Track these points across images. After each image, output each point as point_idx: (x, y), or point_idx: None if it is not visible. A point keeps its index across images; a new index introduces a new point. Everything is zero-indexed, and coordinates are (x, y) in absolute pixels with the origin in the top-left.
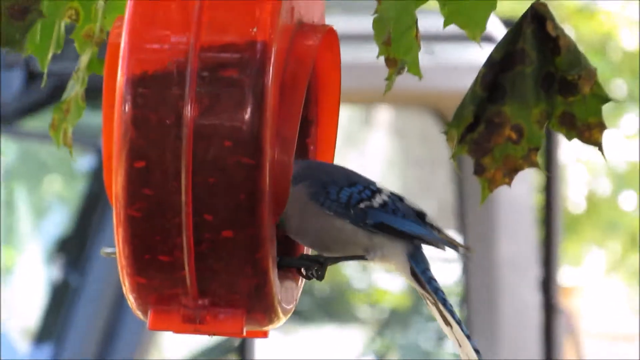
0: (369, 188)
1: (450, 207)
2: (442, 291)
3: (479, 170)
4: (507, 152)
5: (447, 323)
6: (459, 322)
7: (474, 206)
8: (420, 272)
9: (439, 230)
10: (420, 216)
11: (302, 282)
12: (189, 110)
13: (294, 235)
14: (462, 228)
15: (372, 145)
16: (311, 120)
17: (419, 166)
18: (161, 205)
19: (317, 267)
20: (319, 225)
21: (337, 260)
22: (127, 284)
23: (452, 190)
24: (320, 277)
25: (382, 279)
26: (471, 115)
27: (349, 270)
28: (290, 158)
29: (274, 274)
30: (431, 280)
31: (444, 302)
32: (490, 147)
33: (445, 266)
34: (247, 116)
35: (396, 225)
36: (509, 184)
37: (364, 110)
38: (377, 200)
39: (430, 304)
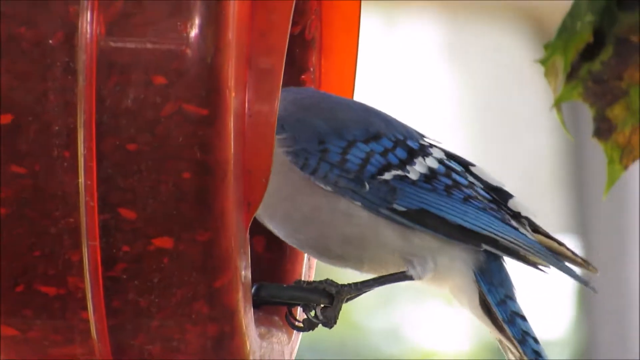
0: (405, 144)
1: (551, 197)
2: (534, 339)
3: (602, 130)
4: None
5: None
6: None
7: (596, 197)
8: (495, 303)
9: (537, 229)
10: (499, 200)
11: (298, 332)
12: (88, 22)
13: (280, 233)
14: (579, 234)
15: (405, 80)
16: (310, 39)
17: (494, 121)
18: (42, 192)
19: (324, 302)
20: (311, 212)
21: (359, 288)
22: None
23: (554, 169)
24: (328, 322)
25: (424, 327)
26: (590, 30)
27: (363, 307)
28: (273, 106)
29: (247, 316)
30: (515, 317)
31: (535, 359)
32: (622, 87)
33: (545, 295)
34: (193, 31)
35: (451, 216)
36: None
37: (392, 18)
38: (418, 168)
39: (508, 353)
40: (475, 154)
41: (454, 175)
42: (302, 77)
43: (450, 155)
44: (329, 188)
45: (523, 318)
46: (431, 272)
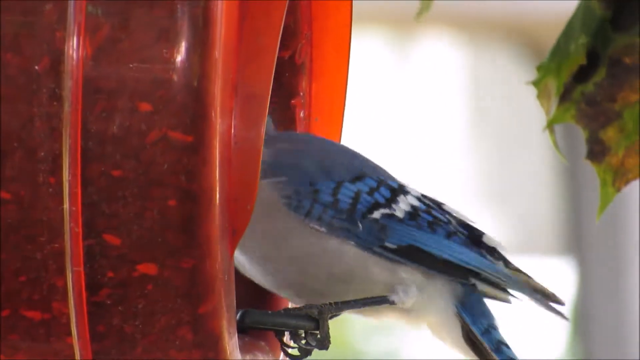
0: (387, 184)
1: (547, 217)
2: None
3: (595, 152)
4: None
5: None
6: None
7: (592, 218)
8: (480, 333)
9: (506, 263)
10: (473, 236)
11: (285, 358)
12: (74, 46)
13: (257, 273)
14: (575, 254)
15: (407, 100)
16: (300, 63)
17: (493, 143)
18: (27, 218)
19: (309, 327)
20: (299, 253)
21: (340, 308)
22: None
23: (550, 189)
24: (322, 344)
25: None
26: (583, 51)
27: (360, 330)
28: (259, 132)
29: (231, 342)
30: (501, 345)
31: None
32: (615, 109)
33: (540, 318)
34: (179, 56)
35: (438, 252)
36: None
37: (400, 40)
38: (402, 206)
39: None
40: (472, 173)
41: (434, 212)
42: (292, 101)
43: (424, 195)
44: (323, 229)
45: (507, 346)
46: (414, 298)
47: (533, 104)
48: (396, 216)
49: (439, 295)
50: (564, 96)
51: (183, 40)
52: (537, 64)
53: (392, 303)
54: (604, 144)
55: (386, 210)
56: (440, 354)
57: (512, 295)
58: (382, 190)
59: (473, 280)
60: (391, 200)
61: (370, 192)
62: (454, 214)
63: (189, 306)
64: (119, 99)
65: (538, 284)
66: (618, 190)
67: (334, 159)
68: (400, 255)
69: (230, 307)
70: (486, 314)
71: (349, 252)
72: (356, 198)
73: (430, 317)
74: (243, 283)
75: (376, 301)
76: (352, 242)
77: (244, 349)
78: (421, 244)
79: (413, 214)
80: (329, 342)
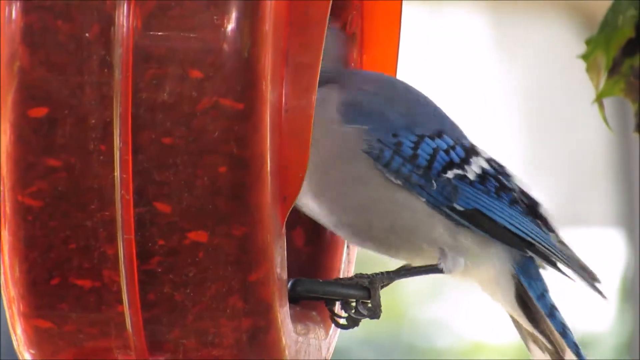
0: (462, 143)
1: (597, 189)
2: (570, 330)
3: None
4: None
5: None
6: None
7: None
8: (536, 297)
9: (557, 236)
10: (531, 206)
11: (336, 328)
12: (125, 15)
13: (320, 212)
14: (625, 227)
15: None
16: (351, 34)
17: (542, 114)
18: (77, 185)
19: (361, 295)
20: (368, 200)
21: (391, 277)
22: (19, 331)
23: (601, 162)
24: (373, 313)
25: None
26: (632, 24)
27: (412, 298)
28: (310, 100)
29: (282, 311)
30: (554, 311)
31: (577, 352)
32: None
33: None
34: (230, 24)
35: (500, 218)
36: None
37: (438, 8)
38: (474, 168)
39: (545, 353)
40: (522, 145)
41: (501, 177)
42: None
43: (491, 158)
44: (399, 182)
45: (559, 311)
46: (461, 268)
47: (584, 77)
48: (468, 178)
49: (496, 256)
50: (613, 70)
51: (233, 8)
52: (586, 38)
53: (441, 272)
54: None
55: (459, 171)
56: (488, 322)
57: (558, 268)
58: (458, 149)
59: (528, 252)
60: (464, 161)
61: (447, 150)
62: (517, 181)
63: (239, 274)
64: (169, 66)
65: (582, 260)
66: None
67: (418, 111)
68: (464, 218)
69: (282, 275)
70: (541, 279)
71: (417, 208)
72: (434, 155)
73: (486, 275)
74: (294, 252)
75: (426, 270)
76: (424, 199)
77: (295, 318)
78: (486, 209)
79: (483, 177)
80: (381, 311)
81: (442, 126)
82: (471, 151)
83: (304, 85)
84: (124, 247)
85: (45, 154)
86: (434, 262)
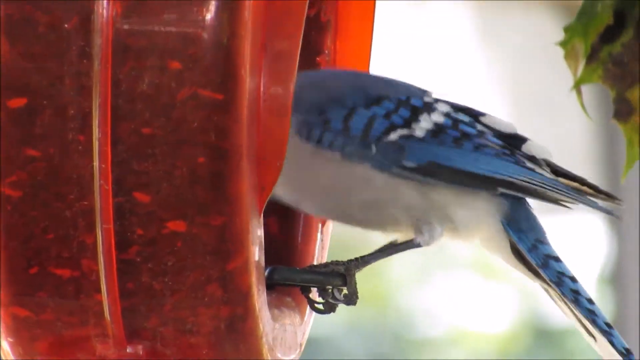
0: (408, 104)
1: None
2: (571, 277)
3: (621, 112)
4: None
5: (586, 328)
6: (602, 328)
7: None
8: (527, 250)
9: (556, 171)
10: (513, 144)
11: (311, 312)
12: (104, 6)
13: (291, 202)
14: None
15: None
16: (326, 21)
17: (522, 101)
18: (56, 175)
19: (337, 283)
20: (329, 181)
21: (367, 261)
22: None
23: (583, 150)
24: (350, 300)
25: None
26: (610, 11)
27: (398, 285)
28: (288, 89)
29: (260, 299)
30: (549, 260)
31: (575, 298)
32: None
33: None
34: (209, 15)
35: (461, 165)
36: None
37: (421, 2)
38: (424, 125)
39: (554, 297)
40: None
41: (462, 127)
42: (317, 59)
43: (459, 108)
44: (337, 155)
45: (556, 259)
46: (439, 236)
47: (562, 64)
48: (415, 136)
49: (484, 212)
50: (591, 57)
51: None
52: (565, 25)
53: (419, 246)
54: (630, 104)
55: (404, 131)
56: (475, 309)
57: (560, 202)
58: (402, 111)
59: (500, 190)
60: (411, 120)
61: (387, 115)
62: (494, 126)
63: (218, 263)
64: (148, 57)
65: (591, 186)
66: None
67: (346, 86)
68: (422, 174)
69: (260, 264)
70: (534, 227)
71: (375, 177)
72: (369, 123)
73: (478, 234)
74: (269, 239)
75: (402, 248)
76: (369, 165)
77: (270, 304)
78: (443, 159)
79: (436, 131)
80: (357, 297)
81: (380, 93)
82: (423, 109)
83: (283, 74)
84: (102, 237)
85: (25, 144)
86: (410, 232)
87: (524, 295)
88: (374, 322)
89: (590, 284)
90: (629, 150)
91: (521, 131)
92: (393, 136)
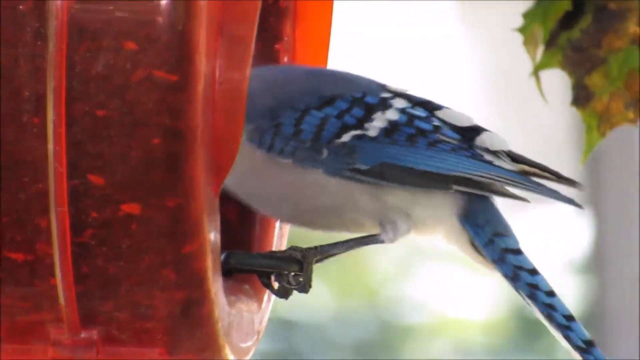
0: (362, 102)
1: (557, 162)
2: (529, 270)
3: (580, 98)
4: (631, 63)
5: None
6: (559, 322)
7: (606, 172)
8: (483, 245)
9: (516, 159)
10: (470, 136)
11: (269, 299)
12: None
13: (251, 204)
14: (592, 206)
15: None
16: (284, 7)
17: (501, 94)
18: (11, 158)
19: (294, 269)
20: (283, 189)
21: (326, 250)
22: None
23: (560, 135)
24: (302, 287)
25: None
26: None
27: (384, 275)
28: (243, 73)
29: (216, 284)
30: (506, 254)
31: (531, 293)
32: (600, 55)
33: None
34: None
35: (414, 164)
36: (635, 122)
37: None
38: (377, 124)
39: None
40: (487, 122)
41: (417, 123)
42: (276, 46)
43: (417, 102)
44: (288, 161)
45: (516, 252)
46: (405, 232)
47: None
48: (367, 136)
49: (440, 208)
50: (550, 42)
51: None
52: (524, 11)
53: (382, 242)
54: (589, 90)
55: (357, 132)
56: (460, 297)
57: (518, 197)
58: (355, 110)
59: (455, 187)
60: (364, 120)
61: (340, 115)
62: (451, 120)
63: (173, 245)
64: (103, 38)
65: (553, 173)
66: (603, 135)
67: (298, 88)
68: (374, 177)
69: (215, 248)
70: (492, 220)
71: (328, 182)
72: (321, 125)
73: (438, 230)
74: (227, 226)
75: (364, 242)
76: (321, 170)
77: (227, 291)
78: (395, 159)
79: (389, 129)
80: (310, 286)
81: (334, 92)
82: (378, 106)
83: (238, 58)
84: (57, 220)
85: None
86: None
87: (507, 284)
88: (361, 310)
89: (569, 272)
90: (588, 136)
91: (499, 117)
92: (345, 138)
